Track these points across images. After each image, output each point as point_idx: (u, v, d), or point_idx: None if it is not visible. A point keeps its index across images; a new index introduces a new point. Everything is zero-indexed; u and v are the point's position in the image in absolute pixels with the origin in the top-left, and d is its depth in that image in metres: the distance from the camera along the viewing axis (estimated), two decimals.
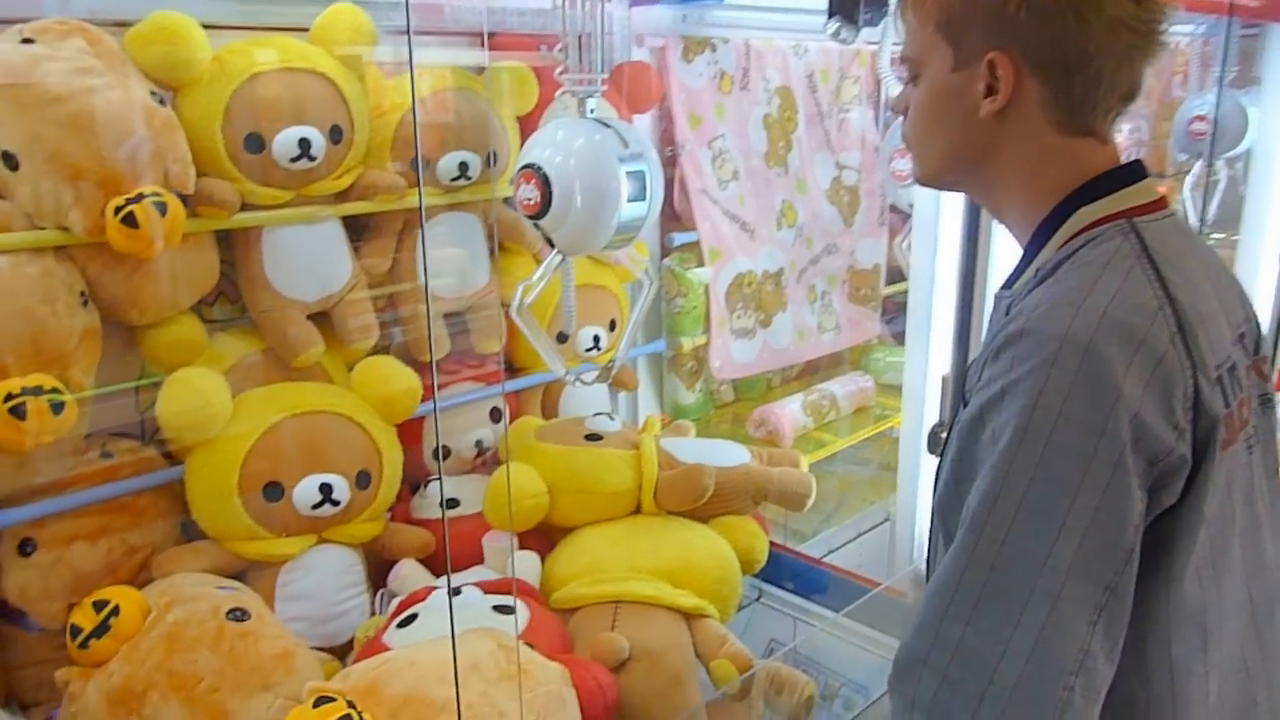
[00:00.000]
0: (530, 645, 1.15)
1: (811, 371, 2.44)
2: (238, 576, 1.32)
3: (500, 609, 1.21)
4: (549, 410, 1.82)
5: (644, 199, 1.24)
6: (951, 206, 1.46)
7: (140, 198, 1.18)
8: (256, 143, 1.32)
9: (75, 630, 1.06)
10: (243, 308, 1.47)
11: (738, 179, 2.06)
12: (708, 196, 1.99)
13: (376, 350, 1.61)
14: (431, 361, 1.56)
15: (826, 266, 2.31)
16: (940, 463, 0.99)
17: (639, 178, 1.23)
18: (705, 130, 1.99)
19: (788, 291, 2.20)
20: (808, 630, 1.77)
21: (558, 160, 1.22)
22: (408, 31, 1.37)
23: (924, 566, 1.09)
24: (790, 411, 2.07)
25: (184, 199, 1.27)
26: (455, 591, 1.22)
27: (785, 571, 1.84)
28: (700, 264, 2.00)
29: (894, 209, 2.43)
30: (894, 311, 2.57)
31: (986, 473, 0.78)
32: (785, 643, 1.80)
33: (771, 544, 1.75)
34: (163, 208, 1.19)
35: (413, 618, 1.21)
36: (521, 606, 1.23)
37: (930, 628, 0.81)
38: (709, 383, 2.18)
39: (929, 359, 1.55)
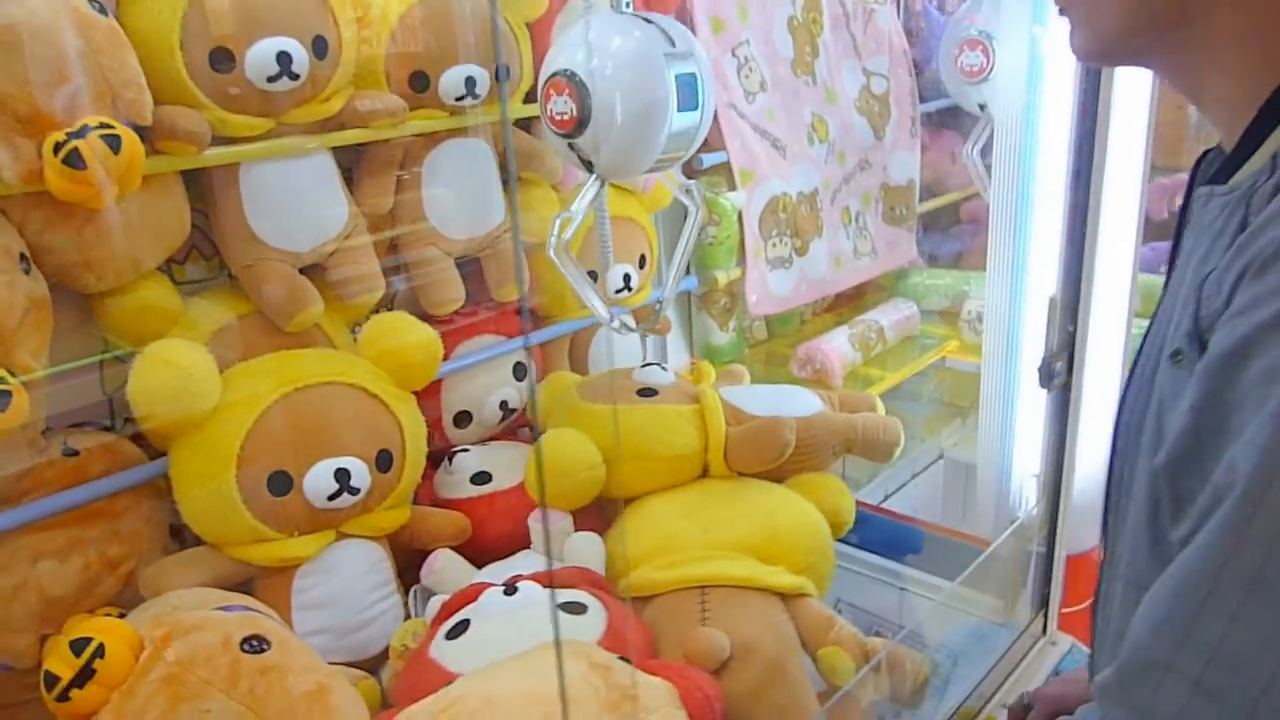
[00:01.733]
0: (611, 652, 0.95)
1: (843, 302, 2.23)
2: (244, 587, 1.10)
3: (570, 607, 1.01)
4: (578, 363, 1.61)
5: (696, 107, 1.03)
6: (1054, 98, 1.25)
7: (85, 131, 0.93)
8: (225, 59, 1.08)
9: (51, 679, 0.84)
10: (220, 264, 1.23)
11: (765, 90, 1.83)
12: (735, 111, 1.76)
13: (381, 306, 1.39)
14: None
15: (860, 184, 2.09)
16: (1140, 409, 0.79)
17: (690, 82, 1.02)
18: (729, 36, 1.75)
19: (823, 214, 1.98)
20: (882, 589, 1.59)
21: (594, 64, 1.00)
22: None
23: (1098, 532, 0.89)
24: (837, 346, 1.87)
25: (140, 133, 1.03)
26: (511, 590, 1.02)
27: None
28: (731, 188, 1.78)
29: (927, 117, 2.21)
30: (922, 231, 2.36)
31: (1265, 424, 0.59)
32: (853, 602, 1.63)
33: None
34: (115, 142, 0.94)
35: (464, 625, 1.00)
36: (593, 603, 1.03)
37: (1176, 624, 0.62)
38: (741, 320, 1.97)
39: (1021, 280, 1.34)
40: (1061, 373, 1.23)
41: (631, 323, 1.45)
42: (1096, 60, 0.76)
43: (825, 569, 1.16)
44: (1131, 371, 0.82)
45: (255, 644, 0.89)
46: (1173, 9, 0.68)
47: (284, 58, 1.09)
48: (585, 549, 1.14)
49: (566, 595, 1.03)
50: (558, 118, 1.05)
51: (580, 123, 1.02)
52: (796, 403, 1.32)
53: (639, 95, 0.99)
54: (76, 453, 1.08)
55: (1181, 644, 0.61)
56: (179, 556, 1.09)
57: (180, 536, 1.15)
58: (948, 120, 2.22)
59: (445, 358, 1.39)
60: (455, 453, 1.37)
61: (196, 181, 1.16)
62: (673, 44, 0.99)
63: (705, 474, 1.25)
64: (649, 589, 1.10)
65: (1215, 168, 0.77)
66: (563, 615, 0.99)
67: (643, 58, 0.99)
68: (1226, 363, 0.62)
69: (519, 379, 1.48)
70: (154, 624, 0.91)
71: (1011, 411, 1.39)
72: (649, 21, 1.02)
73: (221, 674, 0.86)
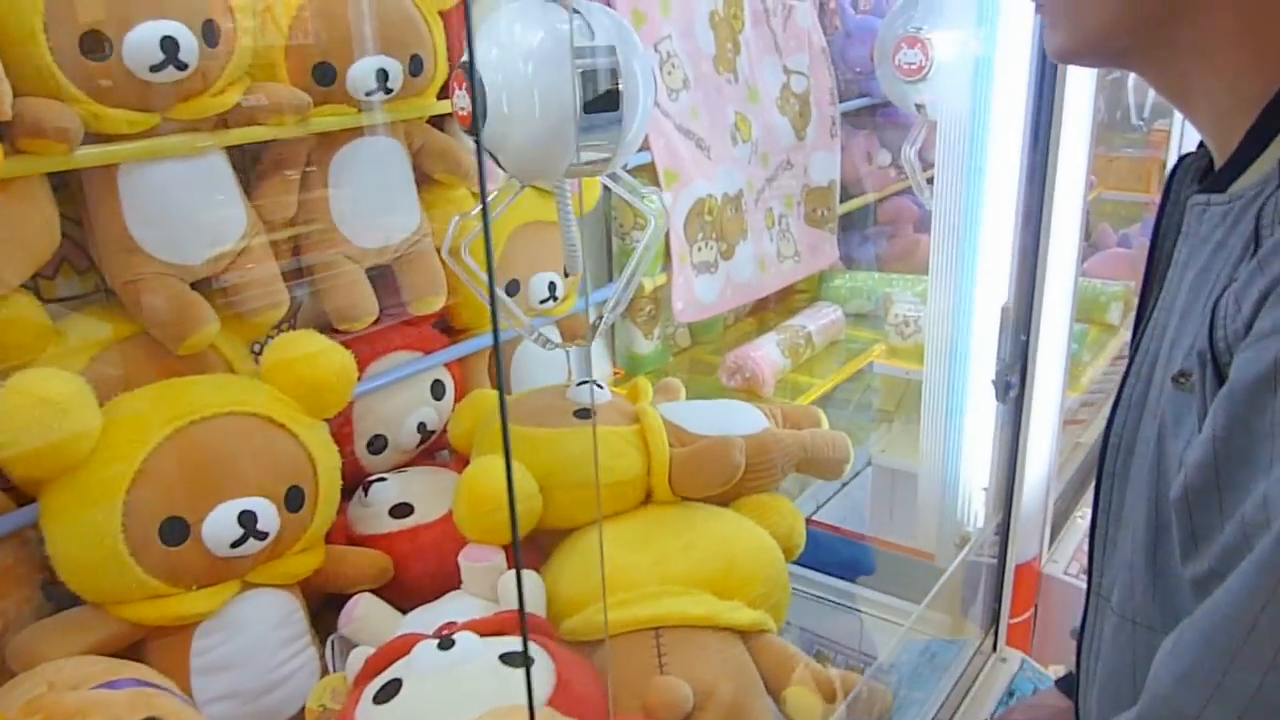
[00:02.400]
0: (565, 712, 0.85)
1: (766, 306, 2.18)
2: (134, 650, 0.96)
3: (513, 659, 0.91)
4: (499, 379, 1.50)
5: (614, 107, 0.92)
6: (1002, 95, 1.20)
7: None
8: (100, 44, 0.93)
9: None
10: (96, 280, 1.09)
11: (688, 87, 1.75)
12: (659, 109, 1.67)
13: (284, 322, 1.25)
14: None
15: (782, 186, 2.04)
16: (1132, 431, 0.74)
17: (608, 77, 0.91)
18: (651, 29, 1.66)
19: (747, 217, 1.91)
20: (828, 609, 1.54)
21: (493, 55, 0.90)
22: None
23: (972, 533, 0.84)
24: (767, 353, 1.81)
25: None
26: (446, 643, 0.91)
27: None
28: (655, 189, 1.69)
29: (849, 116, 2.17)
30: (841, 233, 2.33)
31: None
32: (800, 624, 1.56)
33: None
34: None
35: (395, 686, 0.89)
36: (540, 653, 0.93)
37: (1206, 675, 0.56)
38: (665, 327, 1.89)
39: (969, 287, 1.30)
40: (1015, 385, 1.18)
41: (556, 336, 1.35)
42: (1074, 60, 0.71)
43: (782, 598, 1.08)
44: (1120, 389, 0.77)
45: None
46: (1162, 7, 0.63)
47: (169, 43, 0.95)
48: (523, 587, 1.04)
49: (506, 645, 0.93)
50: (459, 112, 0.95)
51: (474, 118, 0.92)
52: (741, 419, 1.25)
53: (532, 91, 0.89)
54: None
55: (1212, 696, 0.56)
56: (55, 620, 0.94)
57: (55, 594, 0.99)
58: (863, 120, 2.19)
59: (359, 377, 1.27)
60: (371, 482, 1.25)
61: (67, 185, 1.01)
62: (593, 35, 0.89)
63: (648, 500, 1.16)
64: (595, 633, 1.01)
65: (1202, 174, 0.72)
66: (505, 669, 0.89)
67: (540, 50, 0.89)
68: (1255, 390, 0.57)
69: (437, 398, 1.37)
70: (28, 710, 0.77)
71: (957, 422, 1.35)
72: (576, 12, 0.93)
73: None
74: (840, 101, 2.14)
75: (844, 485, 1.94)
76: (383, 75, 1.16)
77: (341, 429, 1.27)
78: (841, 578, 1.49)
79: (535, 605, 1.04)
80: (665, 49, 1.70)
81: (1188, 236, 0.72)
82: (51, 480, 0.92)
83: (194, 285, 1.09)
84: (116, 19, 0.93)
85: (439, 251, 1.33)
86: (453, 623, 0.99)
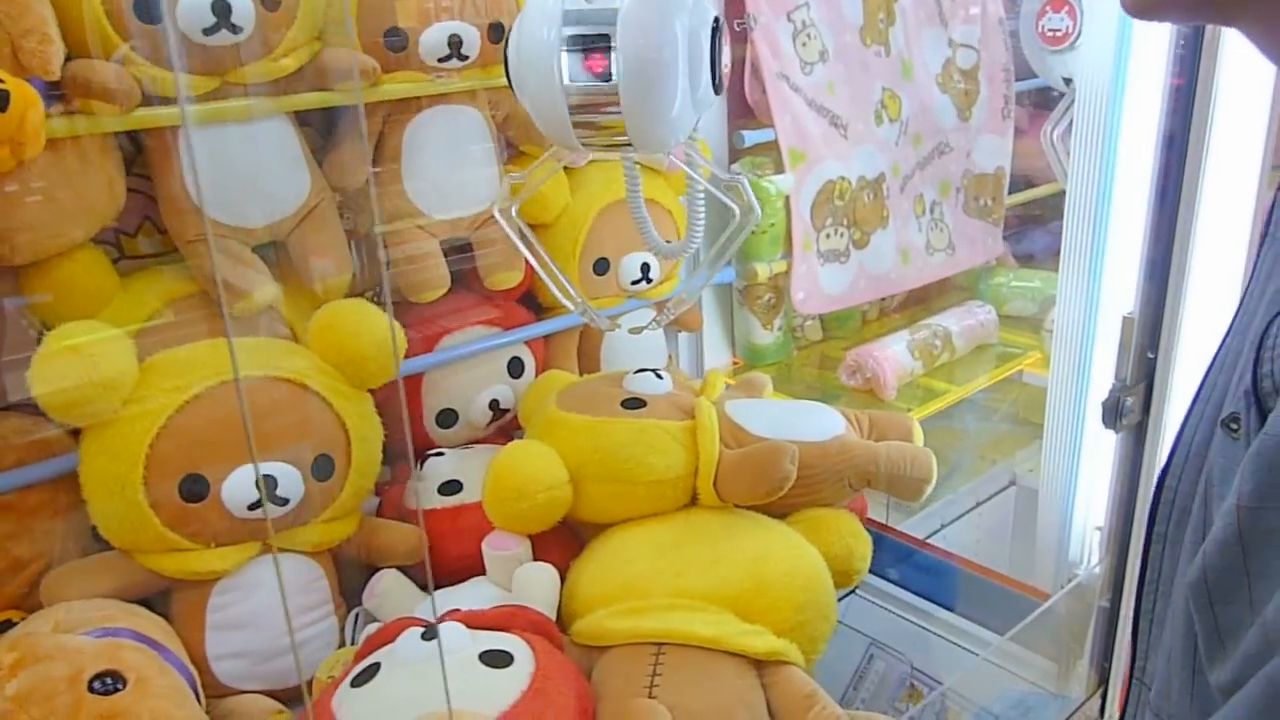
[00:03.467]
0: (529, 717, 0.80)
1: (916, 301, 2.01)
2: (159, 599, 0.99)
3: (491, 657, 0.86)
4: (588, 361, 1.45)
5: (607, 78, 0.80)
6: (1142, 72, 1.02)
7: None
8: (153, 5, 0.95)
9: None
10: None
11: (826, 60, 1.62)
12: (788, 83, 1.56)
13: (361, 291, 1.26)
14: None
15: (938, 171, 1.86)
16: (1189, 486, 0.59)
17: (591, 45, 0.80)
18: None
19: (889, 203, 1.76)
20: (920, 634, 1.39)
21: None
22: None
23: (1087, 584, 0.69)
24: (893, 354, 1.66)
25: (51, 89, 0.92)
26: (430, 633, 0.87)
27: (887, 555, 1.46)
28: (778, 170, 1.58)
29: (1027, 96, 1.95)
30: (1014, 226, 2.11)
31: None
32: (888, 645, 1.43)
33: (870, 522, 1.37)
34: (1, 99, 0.83)
35: (373, 670, 0.86)
36: (524, 653, 0.87)
37: None
38: (790, 318, 1.77)
39: (1097, 291, 1.12)
40: (1134, 410, 1.00)
41: (640, 320, 1.28)
42: (1158, 13, 0.56)
43: (819, 629, 0.97)
44: (1180, 432, 0.62)
45: (108, 682, 0.77)
46: None
47: (221, 6, 0.96)
48: (536, 582, 0.99)
49: (493, 641, 0.88)
50: None
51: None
52: (813, 423, 1.14)
53: (523, 55, 0.81)
54: None
55: None
56: (84, 562, 0.98)
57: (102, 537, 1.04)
58: (1048, 101, 1.96)
59: (429, 349, 1.26)
60: (428, 456, 1.23)
61: (140, 145, 1.05)
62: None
63: (695, 502, 1.08)
64: (600, 639, 0.94)
65: None
66: (480, 668, 0.84)
67: (534, 11, 0.81)
68: None
69: (515, 376, 1.34)
70: (9, 647, 0.80)
71: (1079, 447, 1.17)
72: None
73: (59, 715, 0.74)
74: (1020, 79, 1.92)
75: (979, 504, 1.76)
76: (455, 42, 1.13)
77: (411, 401, 1.27)
78: (933, 599, 1.35)
79: (547, 600, 0.99)
80: (801, 18, 1.58)
81: (1273, 241, 0.56)
82: (87, 431, 0.96)
83: (260, 248, 1.11)
84: None
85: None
86: (455, 609, 0.95)
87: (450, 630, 0.88)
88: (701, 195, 0.93)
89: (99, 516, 0.96)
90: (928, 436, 1.24)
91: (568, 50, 0.76)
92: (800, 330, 1.82)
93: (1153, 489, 0.63)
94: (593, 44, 0.75)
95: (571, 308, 1.07)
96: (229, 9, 0.96)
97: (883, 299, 1.93)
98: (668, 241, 1.40)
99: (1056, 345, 1.21)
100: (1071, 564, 1.20)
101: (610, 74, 0.76)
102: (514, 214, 1.03)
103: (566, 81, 0.76)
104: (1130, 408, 1.00)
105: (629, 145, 0.84)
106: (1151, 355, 1.01)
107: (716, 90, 0.82)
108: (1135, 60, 1.00)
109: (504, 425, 1.36)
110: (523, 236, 1.04)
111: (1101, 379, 1.13)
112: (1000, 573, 1.36)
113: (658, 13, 0.77)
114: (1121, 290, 1.05)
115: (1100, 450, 1.15)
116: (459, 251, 1.28)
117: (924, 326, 1.75)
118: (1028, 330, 1.90)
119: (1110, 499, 1.09)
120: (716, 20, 0.79)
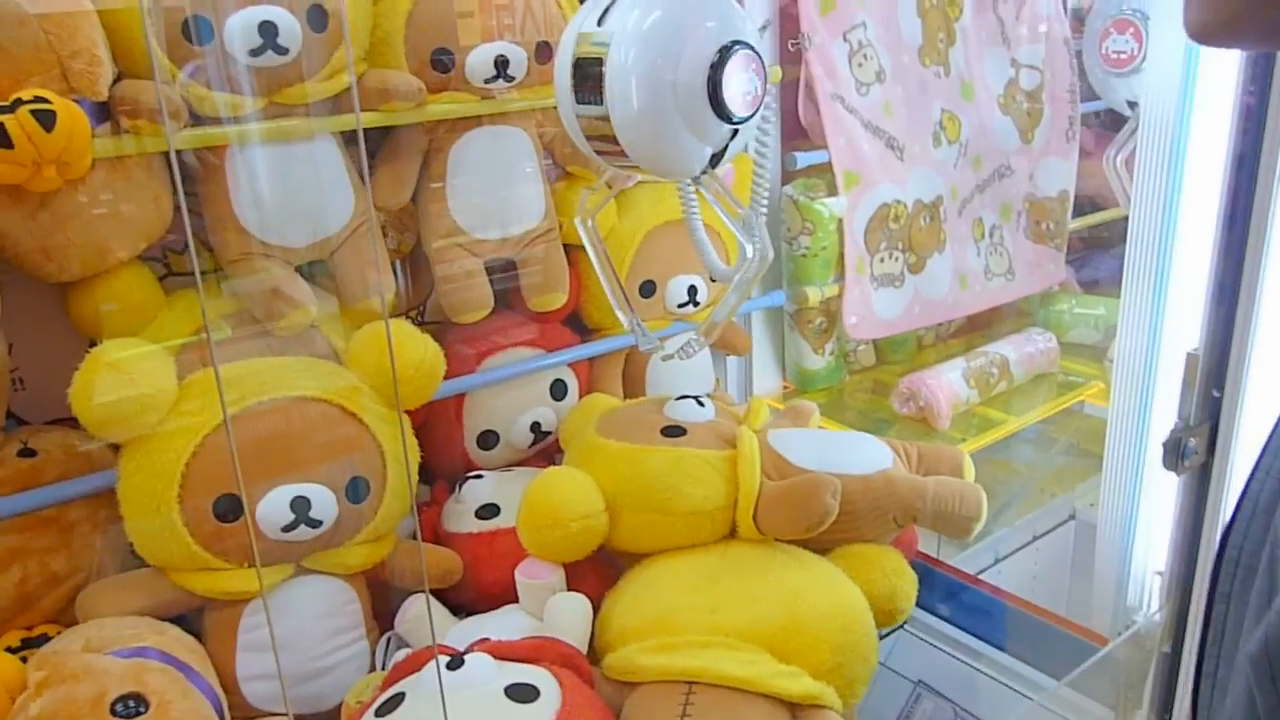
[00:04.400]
0: None
1: (975, 327, 1.95)
2: (192, 618, 1.00)
3: (517, 691, 0.84)
4: (633, 383, 1.43)
5: (598, 101, 0.79)
6: (1210, 95, 0.97)
7: (17, 105, 0.84)
8: (203, 28, 0.96)
9: None
10: None
11: (883, 81, 1.58)
12: (842, 104, 1.53)
13: (406, 311, 1.26)
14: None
15: (998, 194, 1.81)
16: (1255, 545, 0.55)
17: (594, 68, 0.78)
18: (840, 17, 1.52)
19: (947, 226, 1.71)
20: (970, 675, 1.34)
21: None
22: None
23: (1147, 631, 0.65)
24: (948, 382, 1.61)
25: (99, 109, 0.93)
26: (456, 663, 0.85)
27: (938, 591, 1.41)
28: (832, 192, 1.55)
29: (1095, 117, 1.89)
30: (1078, 250, 2.04)
31: None
32: (936, 686, 1.38)
33: (921, 554, 1.33)
34: (47, 119, 0.84)
35: (398, 700, 0.85)
36: (551, 687, 0.85)
37: None
38: (842, 343, 1.73)
39: (1160, 323, 1.07)
40: (1197, 452, 0.95)
41: (675, 343, 1.26)
42: (1218, 39, 0.53)
43: (858, 671, 0.93)
44: (1247, 485, 0.58)
45: (130, 705, 0.77)
46: None
47: (268, 28, 0.96)
48: (568, 613, 0.97)
49: (520, 674, 0.86)
50: None
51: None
52: (858, 455, 1.10)
53: (555, 76, 0.83)
54: (34, 453, 1.00)
55: None
56: (120, 578, 0.98)
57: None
58: (1116, 122, 1.89)
59: (471, 370, 1.25)
60: (468, 478, 1.22)
61: (188, 165, 1.06)
62: (600, 22, 0.78)
63: (734, 534, 1.05)
64: (631, 674, 0.91)
65: None
66: (505, 702, 0.82)
67: (566, 34, 0.81)
68: None
69: (558, 398, 1.32)
70: (39, 663, 0.80)
71: (1138, 487, 1.11)
72: None
73: None
74: (1086, 101, 1.86)
75: (1036, 538, 1.69)
76: (502, 63, 1.12)
77: (452, 422, 1.26)
78: (985, 639, 1.29)
79: (579, 632, 0.97)
80: (857, 38, 1.55)
81: None
82: (125, 447, 0.96)
83: (305, 268, 1.11)
84: (218, 5, 0.96)
85: (566, 248, 1.30)
86: (485, 639, 0.93)
87: (477, 661, 0.86)
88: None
89: (135, 533, 0.97)
90: (982, 466, 1.19)
91: (573, 74, 0.75)
92: (853, 355, 1.78)
93: (1216, 544, 0.59)
94: (589, 69, 0.75)
95: (624, 323, 1.05)
96: (276, 30, 0.97)
97: (939, 324, 1.88)
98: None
99: (1117, 379, 1.15)
100: (1130, 608, 1.14)
101: (603, 100, 0.75)
102: (591, 224, 1.03)
103: (574, 105, 0.76)
104: (1193, 449, 0.95)
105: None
106: (1217, 394, 0.96)
107: (727, 119, 0.79)
108: (1203, 83, 0.95)
109: (545, 448, 1.34)
110: (595, 246, 1.03)
111: (1163, 416, 1.08)
112: (1054, 613, 1.30)
113: (643, 40, 0.76)
114: (1185, 323, 1.00)
115: (1162, 491, 1.09)
116: (503, 272, 1.28)
117: (980, 354, 1.69)
118: (1090, 359, 1.83)
119: (1172, 543, 1.04)
120: (729, 46, 0.77)
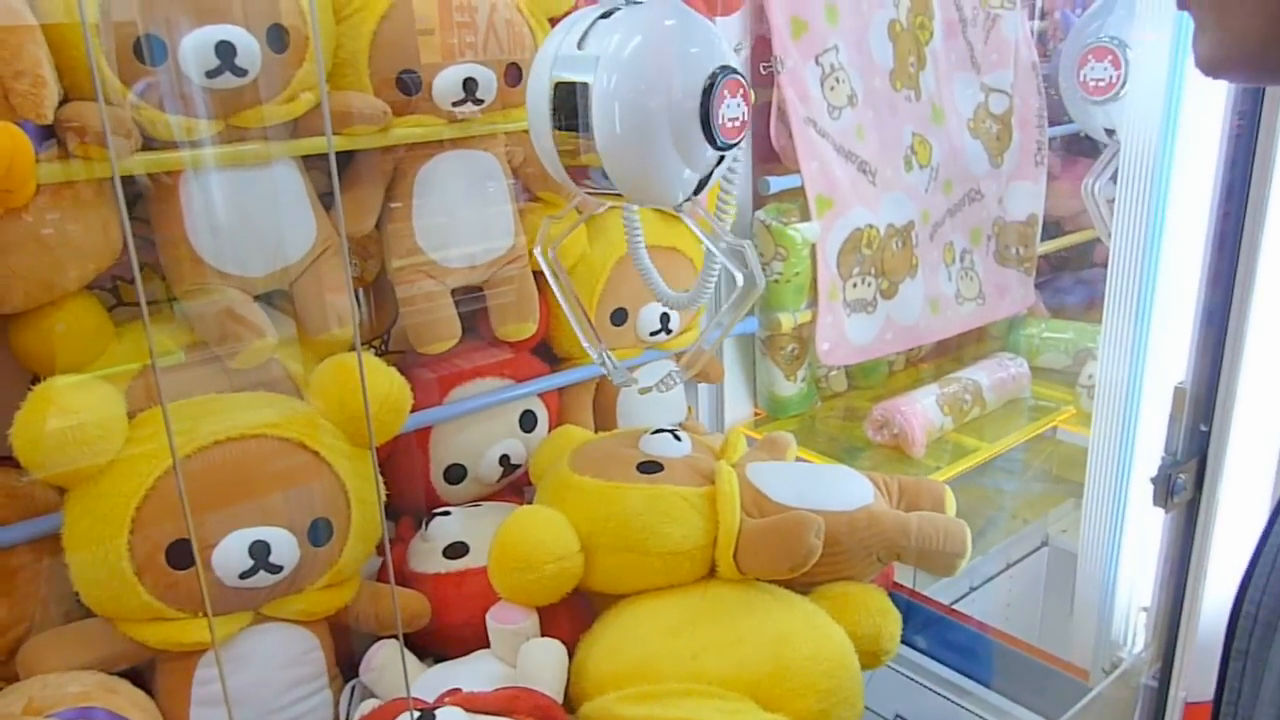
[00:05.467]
0: None
1: (943, 352, 1.94)
2: (144, 671, 0.94)
3: None
4: (604, 414, 1.39)
5: (575, 128, 0.77)
6: (1196, 123, 0.96)
7: None
8: (155, 48, 0.91)
9: None
10: None
11: (854, 105, 1.57)
12: (814, 128, 1.51)
13: (370, 342, 1.21)
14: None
15: (968, 218, 1.80)
16: (1275, 595, 0.53)
17: (573, 94, 0.76)
18: (812, 40, 1.50)
19: (918, 251, 1.70)
20: (951, 712, 1.32)
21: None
22: None
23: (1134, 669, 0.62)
24: (922, 409, 1.59)
25: (44, 131, 0.88)
26: (426, 717, 0.81)
27: (914, 623, 1.39)
28: (804, 217, 1.53)
29: (1060, 142, 1.90)
30: (1045, 274, 2.04)
31: None
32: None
33: (896, 586, 1.31)
34: None
35: None
36: None
37: None
38: (814, 369, 1.71)
39: (1143, 354, 1.05)
40: (1186, 488, 0.93)
41: (654, 372, 1.23)
42: (1226, 73, 0.51)
43: (844, 716, 0.90)
44: (1263, 538, 0.55)
45: None
46: None
47: (226, 48, 0.92)
48: (542, 661, 0.93)
49: None
50: None
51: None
52: (840, 491, 1.07)
53: (529, 98, 0.82)
54: None
55: None
56: (64, 630, 0.92)
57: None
58: (1082, 147, 1.90)
59: (437, 402, 1.21)
60: (435, 515, 1.18)
61: (139, 192, 1.01)
62: (580, 45, 0.76)
63: (712, 574, 1.01)
64: None
65: None
66: None
67: (540, 54, 0.79)
68: None
69: (527, 430, 1.28)
70: None
71: (1121, 522, 1.10)
72: (604, 16, 0.79)
73: None
74: (1054, 125, 1.86)
75: (1010, 566, 1.68)
76: (470, 85, 1.09)
77: (417, 455, 1.22)
78: (964, 672, 1.27)
79: (554, 681, 0.92)
80: (829, 61, 1.53)
81: None
82: (71, 490, 0.91)
83: (262, 297, 1.06)
84: (173, 22, 0.91)
85: (535, 275, 1.26)
86: (456, 689, 0.89)
87: (448, 716, 0.82)
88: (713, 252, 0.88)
89: (81, 582, 0.91)
90: (956, 493, 1.17)
91: (554, 96, 0.72)
92: (825, 381, 1.76)
93: (1232, 601, 0.56)
94: (569, 94, 0.72)
95: (593, 355, 1.02)
96: (234, 51, 0.92)
97: (910, 349, 1.87)
98: (686, 289, 1.35)
99: (1098, 411, 1.14)
100: (1114, 644, 1.12)
101: (589, 124, 0.72)
102: (553, 255, 1.00)
103: (553, 130, 0.72)
104: (1182, 485, 0.93)
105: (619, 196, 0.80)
106: (1205, 429, 0.95)
107: (716, 145, 0.77)
108: (1186, 111, 0.94)
109: (515, 482, 1.30)
110: (557, 278, 1.00)
111: (1147, 449, 1.06)
112: (1030, 643, 1.28)
113: (630, 64, 0.73)
114: (1170, 354, 0.99)
115: (1146, 524, 1.07)
116: (471, 300, 1.24)
117: (953, 380, 1.68)
118: (1061, 384, 1.83)
119: (1157, 580, 1.02)
120: (719, 72, 0.74)
